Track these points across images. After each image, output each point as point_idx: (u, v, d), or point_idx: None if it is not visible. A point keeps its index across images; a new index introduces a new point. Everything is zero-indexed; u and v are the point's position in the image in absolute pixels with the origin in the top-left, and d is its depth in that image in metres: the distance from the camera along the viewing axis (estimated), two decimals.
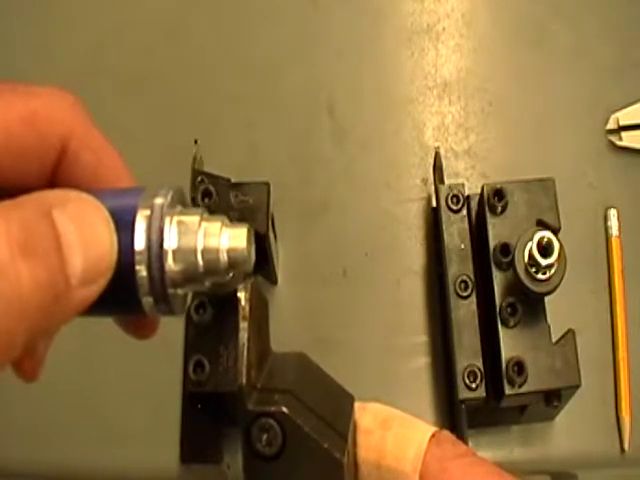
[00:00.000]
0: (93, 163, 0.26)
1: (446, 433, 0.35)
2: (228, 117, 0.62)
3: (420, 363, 0.56)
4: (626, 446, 0.54)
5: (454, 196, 0.51)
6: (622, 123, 0.59)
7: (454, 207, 0.51)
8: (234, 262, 0.25)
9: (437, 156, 0.55)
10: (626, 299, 0.56)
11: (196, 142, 0.54)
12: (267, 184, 0.55)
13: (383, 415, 0.35)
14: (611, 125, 0.60)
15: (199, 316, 0.48)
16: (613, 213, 0.58)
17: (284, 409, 0.30)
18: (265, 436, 0.30)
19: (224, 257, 0.25)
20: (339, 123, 0.61)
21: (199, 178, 0.50)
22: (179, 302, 0.25)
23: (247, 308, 0.29)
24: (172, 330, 0.55)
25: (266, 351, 0.33)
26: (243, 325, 0.30)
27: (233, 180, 0.51)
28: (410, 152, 0.61)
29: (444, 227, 0.51)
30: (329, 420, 0.31)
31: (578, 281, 0.54)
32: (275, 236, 0.55)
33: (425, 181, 0.60)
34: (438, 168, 0.55)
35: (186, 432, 0.53)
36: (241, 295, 0.29)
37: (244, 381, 0.30)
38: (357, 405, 0.35)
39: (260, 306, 0.31)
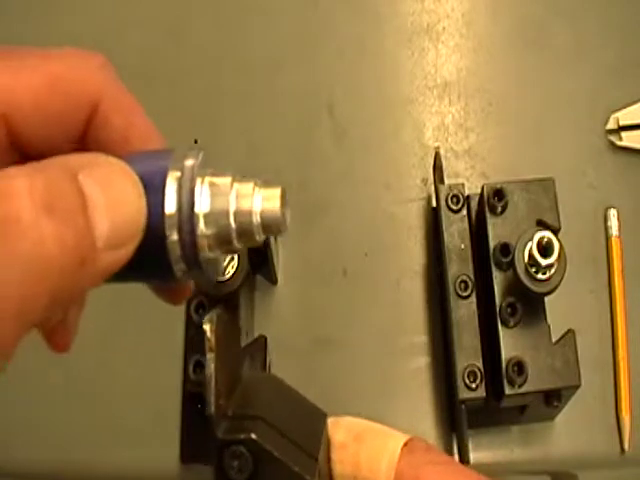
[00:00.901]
0: (123, 125, 0.25)
1: (419, 440, 0.35)
2: (228, 117, 0.62)
3: (420, 363, 0.56)
4: (626, 446, 0.54)
5: (454, 196, 0.51)
6: (622, 123, 0.59)
7: (454, 207, 0.51)
8: (268, 224, 0.24)
9: (437, 156, 0.55)
10: (626, 299, 0.56)
11: (196, 142, 0.54)
12: None
13: (356, 428, 0.35)
14: (611, 125, 0.60)
15: (199, 316, 0.48)
16: (613, 213, 0.58)
17: (253, 436, 0.30)
18: (236, 463, 0.30)
19: (257, 219, 0.24)
20: (339, 123, 0.61)
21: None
22: (211, 266, 0.24)
23: (213, 340, 0.29)
24: (172, 330, 0.55)
25: (236, 378, 0.33)
26: (210, 356, 0.29)
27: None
28: (410, 152, 0.61)
29: (444, 227, 0.51)
30: (300, 442, 0.32)
31: (578, 281, 0.54)
32: (275, 236, 0.55)
33: (425, 181, 0.60)
34: (438, 168, 0.55)
35: (186, 432, 0.53)
36: (206, 327, 0.29)
37: (213, 411, 0.30)
38: (331, 420, 0.35)
39: (228, 335, 0.31)
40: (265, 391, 0.35)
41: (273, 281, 0.57)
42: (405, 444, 0.34)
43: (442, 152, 0.57)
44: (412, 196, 0.60)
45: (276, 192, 0.25)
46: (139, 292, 0.27)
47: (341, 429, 0.35)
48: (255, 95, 0.62)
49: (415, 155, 0.61)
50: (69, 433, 0.55)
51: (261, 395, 0.34)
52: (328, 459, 0.34)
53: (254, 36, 0.64)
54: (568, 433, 0.54)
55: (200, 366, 0.47)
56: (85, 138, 0.25)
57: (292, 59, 0.63)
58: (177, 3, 0.65)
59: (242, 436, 0.30)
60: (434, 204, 0.56)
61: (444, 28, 0.64)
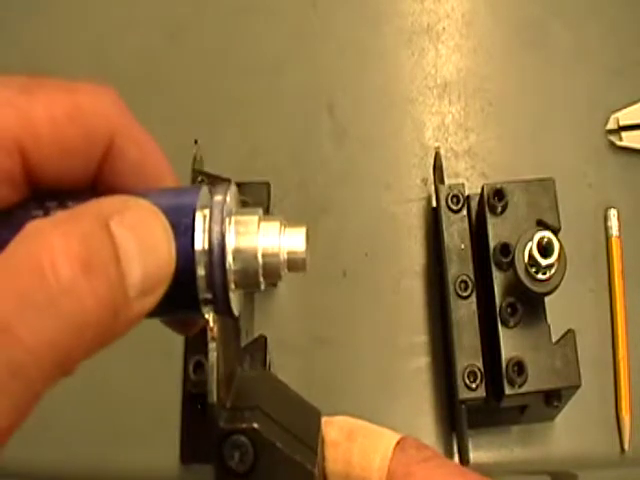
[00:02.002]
0: (139, 159, 0.26)
1: (411, 439, 0.35)
2: (228, 117, 0.62)
3: (420, 363, 0.56)
4: (626, 446, 0.54)
5: (454, 196, 0.51)
6: (622, 123, 0.59)
7: (454, 207, 0.51)
8: (293, 264, 0.25)
9: (437, 156, 0.55)
10: (626, 299, 0.56)
11: (196, 142, 0.54)
12: (267, 184, 0.55)
13: (349, 427, 0.35)
14: (611, 125, 0.60)
15: None
16: (613, 213, 0.58)
17: (255, 425, 0.30)
18: (237, 453, 0.30)
19: (284, 259, 0.25)
20: (339, 123, 0.61)
21: (199, 178, 0.50)
22: (236, 303, 0.25)
23: (215, 329, 0.29)
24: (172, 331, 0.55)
25: (233, 371, 0.33)
26: (212, 346, 0.30)
27: (233, 180, 0.51)
28: (410, 152, 0.61)
29: (444, 227, 0.51)
30: (298, 434, 0.32)
31: (578, 281, 0.54)
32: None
33: (425, 181, 0.60)
34: (438, 168, 0.55)
35: (186, 432, 0.53)
36: (208, 316, 0.29)
37: (215, 400, 0.30)
38: (324, 420, 0.35)
39: (227, 327, 0.32)
40: (261, 387, 0.35)
41: None
42: (398, 442, 0.34)
43: (442, 152, 0.57)
44: (412, 196, 0.60)
45: (301, 231, 0.25)
46: None
47: (334, 428, 0.35)
48: (255, 95, 0.62)
49: (415, 155, 0.61)
50: (69, 433, 0.55)
51: (257, 390, 0.34)
52: (323, 457, 0.34)
53: (254, 37, 0.64)
54: (568, 433, 0.54)
55: (200, 366, 0.47)
56: (101, 171, 0.25)
57: (292, 59, 0.63)
58: (177, 4, 0.65)
59: (244, 425, 0.30)
60: (434, 204, 0.56)
61: (444, 28, 0.64)
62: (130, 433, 0.55)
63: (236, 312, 0.25)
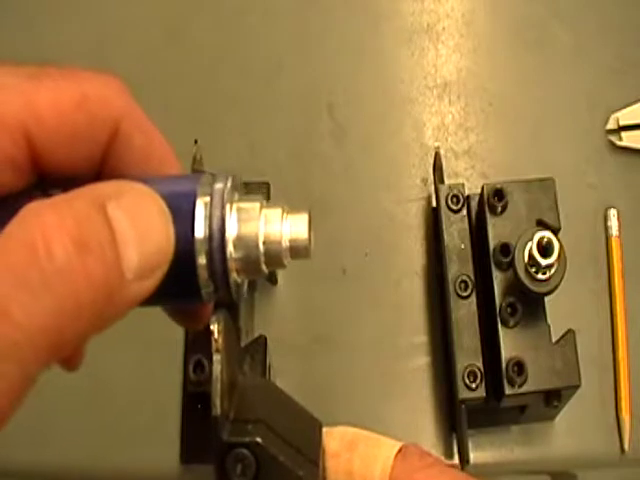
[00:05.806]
0: (143, 147, 0.26)
1: (413, 446, 0.35)
2: (228, 117, 0.62)
3: (420, 363, 0.56)
4: (626, 446, 0.54)
5: (454, 196, 0.51)
6: (622, 123, 0.59)
7: (454, 207, 0.51)
8: (295, 251, 0.25)
9: (437, 156, 0.55)
10: (626, 299, 0.56)
11: (196, 142, 0.54)
12: (267, 184, 0.55)
13: (349, 437, 0.35)
14: (611, 125, 0.60)
15: None
16: (613, 213, 0.58)
17: (258, 439, 0.30)
18: (240, 466, 0.30)
19: (285, 245, 0.25)
20: (339, 123, 0.61)
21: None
22: (237, 289, 0.25)
23: (220, 340, 0.29)
24: (172, 330, 0.55)
25: (235, 381, 0.33)
26: (216, 357, 0.29)
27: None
28: (410, 152, 0.61)
29: (444, 227, 0.51)
30: (301, 447, 0.32)
31: (578, 281, 0.54)
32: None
33: (425, 181, 0.60)
34: (438, 168, 0.55)
35: (186, 432, 0.53)
36: (214, 327, 0.29)
37: (219, 412, 0.29)
38: (324, 430, 0.35)
39: (230, 337, 0.31)
40: (263, 397, 0.35)
41: (273, 281, 0.57)
42: (399, 450, 0.34)
43: (442, 152, 0.57)
44: (412, 196, 0.60)
45: (304, 218, 0.25)
46: None
47: (334, 438, 0.35)
48: (255, 95, 0.62)
49: (415, 155, 0.61)
50: (69, 433, 0.55)
51: (259, 401, 0.34)
52: (324, 468, 0.34)
53: (254, 36, 0.64)
54: (568, 433, 0.54)
55: (200, 366, 0.47)
56: (106, 159, 0.25)
57: (292, 59, 0.63)
58: (176, 3, 0.65)
59: (247, 439, 0.30)
60: (434, 204, 0.56)
61: (444, 28, 0.64)
62: (130, 433, 0.55)
63: (236, 298, 0.25)
